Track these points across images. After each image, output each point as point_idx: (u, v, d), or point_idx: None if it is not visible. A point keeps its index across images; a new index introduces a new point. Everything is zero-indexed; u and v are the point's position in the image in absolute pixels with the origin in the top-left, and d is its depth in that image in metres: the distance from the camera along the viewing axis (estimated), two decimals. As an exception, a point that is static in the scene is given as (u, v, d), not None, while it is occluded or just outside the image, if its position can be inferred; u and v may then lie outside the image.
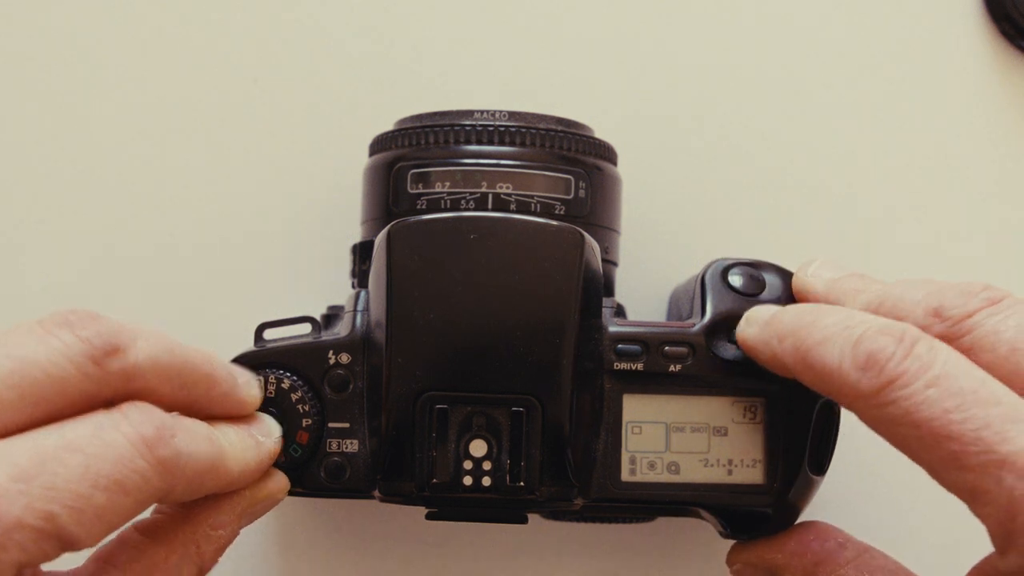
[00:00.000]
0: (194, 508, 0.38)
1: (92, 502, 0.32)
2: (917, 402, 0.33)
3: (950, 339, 0.36)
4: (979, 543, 0.34)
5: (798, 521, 0.42)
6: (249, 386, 0.40)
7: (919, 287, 0.38)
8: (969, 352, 0.36)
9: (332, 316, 0.45)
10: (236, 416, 0.39)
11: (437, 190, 0.43)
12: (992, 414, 0.33)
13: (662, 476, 0.41)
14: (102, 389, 0.34)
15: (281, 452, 0.40)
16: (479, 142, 0.44)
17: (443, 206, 0.43)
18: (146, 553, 0.36)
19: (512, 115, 0.44)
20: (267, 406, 0.41)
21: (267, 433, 0.40)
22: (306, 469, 0.41)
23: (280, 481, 0.40)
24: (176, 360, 0.36)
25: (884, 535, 0.50)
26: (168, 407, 0.35)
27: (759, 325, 0.40)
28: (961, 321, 0.36)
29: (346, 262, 0.48)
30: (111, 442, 0.33)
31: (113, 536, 0.36)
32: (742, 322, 0.41)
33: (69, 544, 0.32)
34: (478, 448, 0.40)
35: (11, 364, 0.32)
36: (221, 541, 0.38)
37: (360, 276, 0.46)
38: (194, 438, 0.35)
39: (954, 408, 0.33)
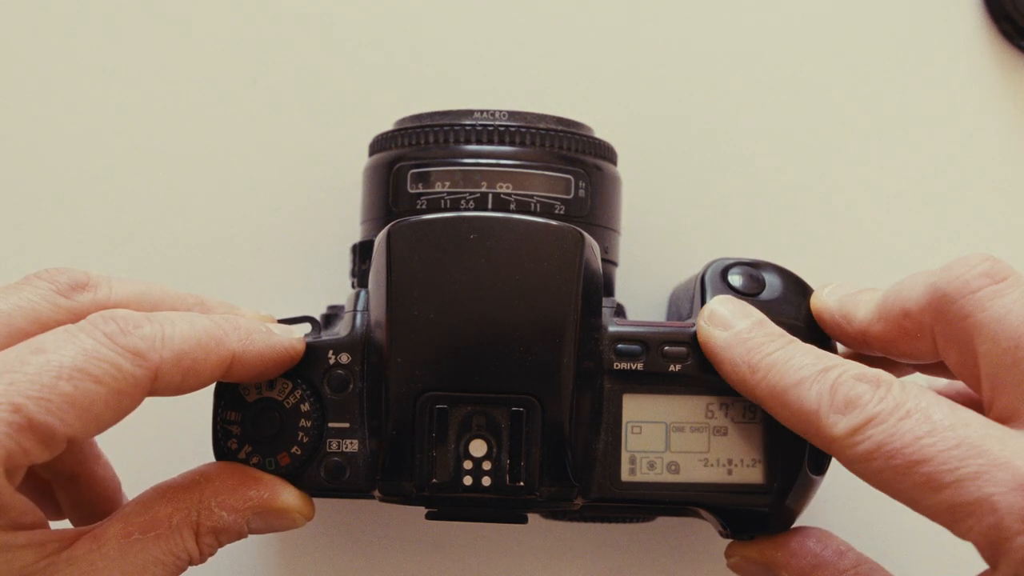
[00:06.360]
0: (209, 479, 0.38)
1: (57, 390, 0.32)
2: (891, 434, 0.34)
3: (951, 320, 0.36)
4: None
5: (798, 521, 0.42)
6: (251, 310, 0.40)
7: (921, 274, 0.38)
8: (970, 338, 0.36)
9: (332, 316, 0.45)
10: None
11: (437, 190, 0.43)
12: (962, 434, 0.33)
13: (662, 476, 0.41)
14: (75, 319, 0.35)
15: (284, 452, 0.41)
16: (479, 142, 0.44)
17: (443, 206, 0.43)
18: (152, 508, 0.37)
19: (512, 115, 0.44)
20: (266, 406, 0.41)
21: (285, 331, 0.40)
22: (306, 469, 0.41)
23: (298, 499, 0.40)
24: (156, 290, 0.39)
25: (884, 535, 0.50)
26: None
27: (728, 335, 0.40)
28: (962, 299, 0.36)
29: (346, 262, 0.48)
30: (74, 340, 0.34)
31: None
32: (704, 315, 0.41)
33: (47, 435, 0.32)
34: (478, 448, 0.40)
35: None
36: (221, 524, 0.38)
37: (360, 276, 0.46)
38: (171, 323, 0.36)
39: (926, 434, 0.33)
